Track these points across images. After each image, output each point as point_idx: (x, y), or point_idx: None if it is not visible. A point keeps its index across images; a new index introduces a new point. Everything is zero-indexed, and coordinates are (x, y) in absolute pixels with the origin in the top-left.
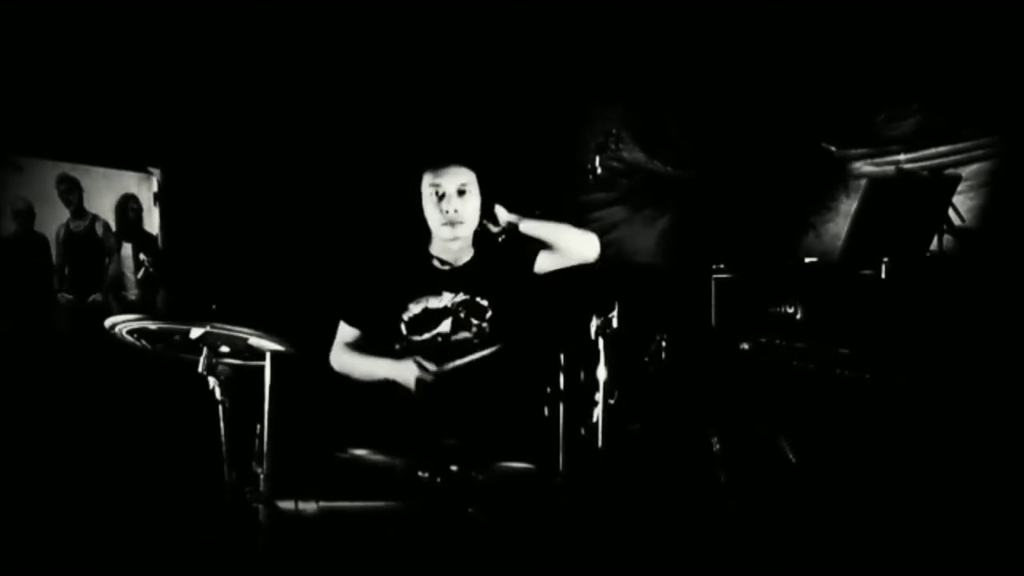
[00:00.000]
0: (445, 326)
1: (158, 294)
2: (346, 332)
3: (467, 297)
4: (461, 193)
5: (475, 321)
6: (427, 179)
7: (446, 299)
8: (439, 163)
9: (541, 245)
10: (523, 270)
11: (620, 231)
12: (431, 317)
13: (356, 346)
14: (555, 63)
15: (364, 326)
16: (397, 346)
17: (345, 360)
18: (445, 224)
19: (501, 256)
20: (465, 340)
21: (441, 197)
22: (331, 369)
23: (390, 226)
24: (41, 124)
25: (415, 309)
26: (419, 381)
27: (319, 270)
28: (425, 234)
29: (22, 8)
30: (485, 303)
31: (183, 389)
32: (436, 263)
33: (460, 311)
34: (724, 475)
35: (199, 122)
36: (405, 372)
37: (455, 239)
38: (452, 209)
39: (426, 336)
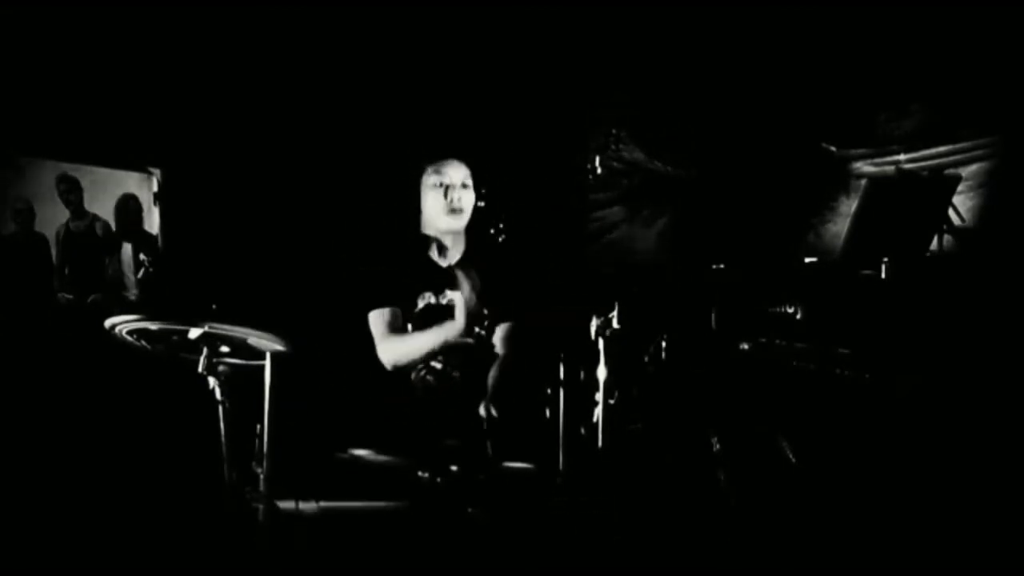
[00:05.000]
0: None
1: (158, 294)
2: (381, 319)
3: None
4: (464, 186)
5: (476, 328)
6: (430, 171)
7: (447, 297)
8: (441, 157)
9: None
10: (517, 275)
11: (620, 231)
12: (435, 314)
13: (398, 327)
14: (555, 63)
15: (395, 302)
16: None
17: (398, 346)
18: (448, 213)
19: (495, 259)
20: (464, 343)
21: (446, 188)
22: (378, 368)
23: (389, 223)
24: (41, 124)
25: (420, 304)
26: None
27: (319, 269)
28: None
29: (22, 8)
30: (485, 311)
31: (183, 389)
32: (434, 257)
33: None
34: (724, 475)
35: (199, 122)
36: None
37: (454, 231)
38: (456, 198)
39: None
